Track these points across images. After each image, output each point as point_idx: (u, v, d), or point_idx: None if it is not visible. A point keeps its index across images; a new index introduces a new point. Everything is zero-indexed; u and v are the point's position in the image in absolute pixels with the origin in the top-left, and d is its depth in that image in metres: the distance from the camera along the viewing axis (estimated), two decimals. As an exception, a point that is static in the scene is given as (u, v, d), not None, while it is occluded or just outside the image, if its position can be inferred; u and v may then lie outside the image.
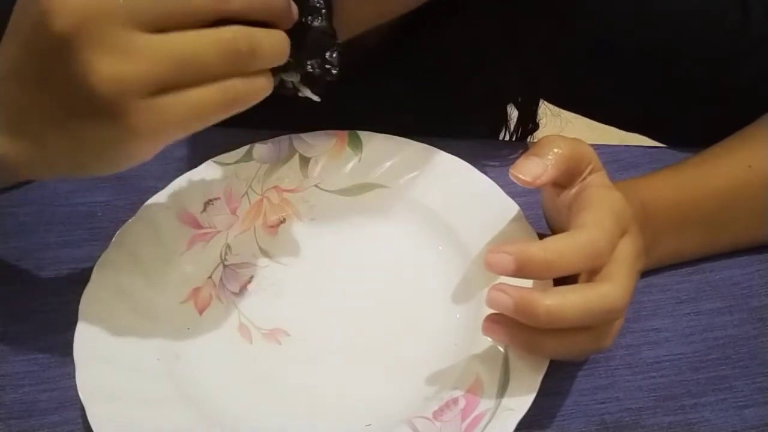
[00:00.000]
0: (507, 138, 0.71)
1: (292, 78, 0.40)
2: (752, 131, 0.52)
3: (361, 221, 0.50)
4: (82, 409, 0.40)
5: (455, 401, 0.40)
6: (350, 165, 0.53)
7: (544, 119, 0.67)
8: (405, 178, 0.51)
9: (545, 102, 0.66)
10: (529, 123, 0.65)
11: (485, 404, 0.39)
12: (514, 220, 0.47)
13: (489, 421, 0.38)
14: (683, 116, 0.58)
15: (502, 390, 0.40)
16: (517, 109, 0.64)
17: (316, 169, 0.53)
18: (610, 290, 0.37)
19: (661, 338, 0.46)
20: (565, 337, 0.38)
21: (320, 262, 0.43)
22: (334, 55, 0.39)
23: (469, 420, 0.39)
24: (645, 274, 0.49)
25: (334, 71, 0.40)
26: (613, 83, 0.58)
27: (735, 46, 0.53)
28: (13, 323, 0.48)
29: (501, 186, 0.49)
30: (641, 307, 0.48)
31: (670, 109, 0.58)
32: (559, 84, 0.60)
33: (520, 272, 0.37)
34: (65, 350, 0.42)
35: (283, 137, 0.54)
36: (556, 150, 0.40)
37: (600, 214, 0.38)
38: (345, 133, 0.54)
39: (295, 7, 0.36)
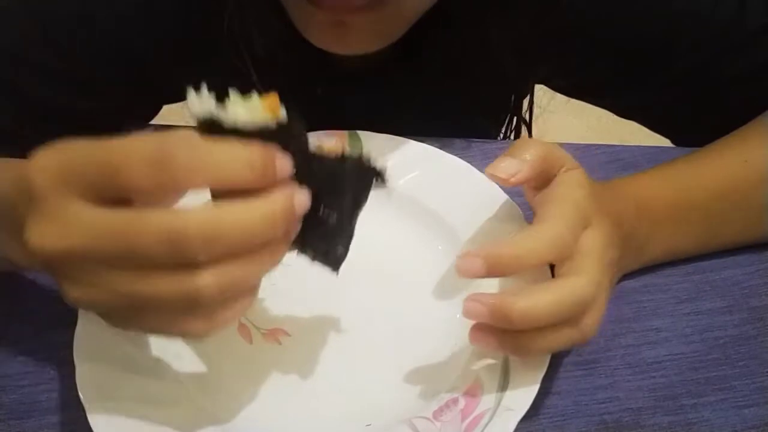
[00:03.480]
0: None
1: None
2: (750, 129, 0.52)
3: (361, 221, 0.50)
4: (82, 409, 0.40)
5: (455, 401, 0.40)
6: (350, 165, 0.52)
7: (542, 117, 0.67)
8: (405, 179, 0.51)
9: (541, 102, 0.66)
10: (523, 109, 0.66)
11: (485, 404, 0.40)
12: (514, 219, 0.47)
13: (489, 421, 0.39)
14: (680, 108, 0.58)
15: (502, 390, 0.40)
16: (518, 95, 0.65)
17: (315, 169, 0.52)
18: (578, 282, 0.37)
19: (661, 338, 0.46)
20: (548, 333, 0.38)
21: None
22: (338, 253, 0.38)
23: (469, 420, 0.39)
24: (645, 273, 0.49)
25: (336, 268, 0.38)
26: (611, 74, 0.59)
27: (729, 39, 0.54)
28: (13, 323, 0.48)
29: (501, 186, 0.49)
30: (641, 307, 0.48)
31: (667, 99, 0.58)
32: (557, 73, 0.61)
33: (491, 272, 0.38)
34: (65, 350, 0.42)
35: None
36: (531, 151, 0.41)
37: (560, 206, 0.39)
38: (345, 133, 0.53)
39: (283, 163, 0.33)
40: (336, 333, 0.46)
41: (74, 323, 0.43)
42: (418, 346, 0.45)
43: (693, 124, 0.57)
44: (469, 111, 0.60)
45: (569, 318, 0.38)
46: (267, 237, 0.32)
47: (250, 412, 0.42)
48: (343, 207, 0.36)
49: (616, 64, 0.57)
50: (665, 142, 0.62)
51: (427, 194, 0.50)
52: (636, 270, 0.49)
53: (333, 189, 0.35)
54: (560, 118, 0.73)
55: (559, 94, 0.67)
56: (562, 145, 0.58)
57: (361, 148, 0.35)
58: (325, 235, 0.36)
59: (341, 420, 0.42)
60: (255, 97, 0.33)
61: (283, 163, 0.33)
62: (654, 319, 0.47)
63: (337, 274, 0.38)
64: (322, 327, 0.46)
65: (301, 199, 0.34)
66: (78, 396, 0.40)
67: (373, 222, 0.50)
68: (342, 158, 0.35)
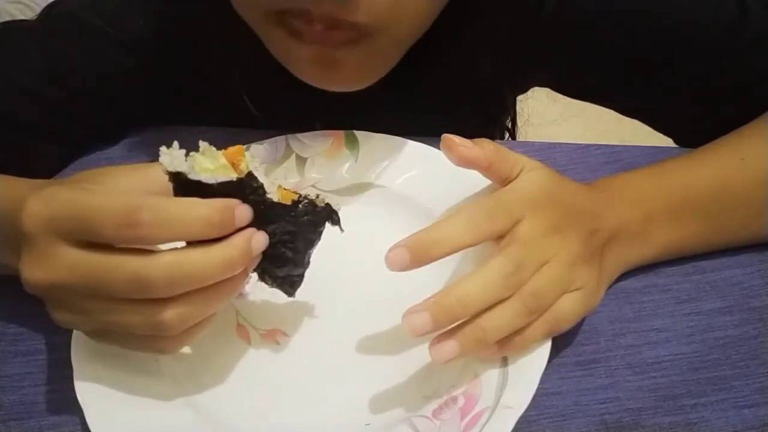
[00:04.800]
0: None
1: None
2: (748, 129, 0.52)
3: (359, 221, 0.50)
4: (81, 410, 0.40)
5: (454, 399, 0.40)
6: (347, 165, 0.53)
7: (542, 117, 0.67)
8: (402, 178, 0.51)
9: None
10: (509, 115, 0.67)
11: (484, 402, 0.39)
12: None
13: (488, 419, 0.38)
14: (682, 111, 0.58)
15: (501, 388, 0.40)
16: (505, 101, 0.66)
17: (312, 169, 0.53)
18: (495, 261, 0.40)
19: (661, 338, 0.46)
20: (495, 315, 0.39)
21: (318, 263, 0.44)
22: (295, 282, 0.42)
23: (468, 418, 0.39)
24: (645, 274, 0.49)
25: (291, 292, 0.43)
26: (612, 79, 0.59)
27: (730, 44, 0.54)
28: (13, 324, 0.48)
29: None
30: (641, 307, 0.48)
31: (668, 103, 0.58)
32: (559, 75, 0.62)
33: (415, 258, 0.40)
34: (65, 351, 0.42)
35: (279, 137, 0.54)
36: (485, 143, 0.43)
37: (481, 199, 0.43)
38: (341, 132, 0.54)
39: (241, 213, 0.37)
40: (334, 333, 0.46)
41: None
42: (417, 345, 0.44)
43: (695, 125, 0.57)
44: (468, 112, 0.61)
45: (504, 292, 0.39)
46: (223, 277, 0.37)
47: (249, 412, 0.42)
48: (297, 244, 0.40)
49: (617, 69, 0.57)
50: (666, 142, 0.62)
51: (424, 193, 0.50)
52: (638, 268, 0.49)
53: (288, 230, 0.40)
54: (560, 118, 0.73)
55: (561, 96, 0.67)
56: (562, 145, 0.59)
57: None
58: (282, 266, 0.41)
59: (340, 419, 0.42)
60: (218, 152, 0.38)
61: (242, 212, 0.37)
62: (654, 319, 0.47)
63: (294, 297, 0.43)
64: (320, 327, 0.46)
65: (259, 240, 0.38)
66: (77, 397, 0.40)
67: (371, 222, 0.51)
68: (296, 204, 0.40)
